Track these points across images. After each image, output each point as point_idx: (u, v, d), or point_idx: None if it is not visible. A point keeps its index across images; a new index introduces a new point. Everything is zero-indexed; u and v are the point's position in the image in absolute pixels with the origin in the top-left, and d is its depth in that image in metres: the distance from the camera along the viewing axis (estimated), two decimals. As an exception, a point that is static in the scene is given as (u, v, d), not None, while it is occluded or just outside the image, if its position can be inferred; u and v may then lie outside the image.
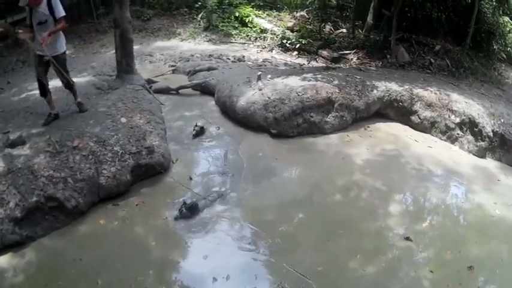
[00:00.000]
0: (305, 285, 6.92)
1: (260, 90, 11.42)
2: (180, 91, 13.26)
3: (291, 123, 11.04)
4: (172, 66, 15.51)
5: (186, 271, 7.28)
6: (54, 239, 8.07)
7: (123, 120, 9.85)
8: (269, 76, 12.38)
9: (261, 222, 8.22)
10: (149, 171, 9.31)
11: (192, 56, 16.37)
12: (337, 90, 11.60)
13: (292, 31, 19.48)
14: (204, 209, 8.36)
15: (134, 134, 9.48)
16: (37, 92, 9.96)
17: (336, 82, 12.03)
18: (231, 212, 8.53)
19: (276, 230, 8.04)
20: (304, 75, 12.67)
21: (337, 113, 11.44)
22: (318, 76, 12.50)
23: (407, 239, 7.96)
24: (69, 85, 9.97)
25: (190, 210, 8.14)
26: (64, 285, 7.14)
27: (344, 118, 11.56)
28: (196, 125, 10.54)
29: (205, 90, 13.13)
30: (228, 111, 11.76)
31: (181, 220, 8.10)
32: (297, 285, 6.95)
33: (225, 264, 7.30)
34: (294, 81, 11.97)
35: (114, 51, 13.51)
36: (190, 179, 9.42)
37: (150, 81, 13.25)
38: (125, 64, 12.35)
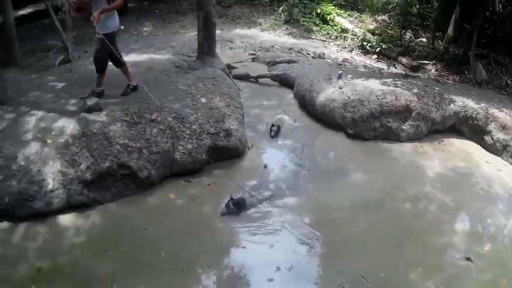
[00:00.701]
0: (365, 290, 6.82)
1: (340, 88, 11.29)
2: (259, 80, 13.21)
3: (368, 126, 10.89)
4: (252, 54, 15.47)
5: (250, 257, 7.24)
6: (122, 206, 8.22)
7: (203, 100, 9.91)
8: (349, 76, 12.25)
9: (330, 220, 8.13)
10: (225, 154, 9.36)
11: (272, 47, 16.30)
12: (415, 99, 11.38)
13: (373, 34, 19.23)
14: (252, 207, 8.21)
15: (213, 115, 9.52)
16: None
17: (415, 91, 11.79)
18: (302, 206, 8.45)
19: (344, 230, 7.94)
20: (384, 79, 12.48)
21: (413, 122, 11.23)
22: (397, 82, 12.26)
23: (468, 259, 7.74)
24: (117, 63, 9.93)
25: (237, 206, 8.01)
26: (127, 252, 7.26)
27: (420, 128, 11.33)
28: (273, 125, 10.39)
29: (284, 82, 13.03)
30: (307, 106, 11.66)
31: (227, 215, 7.99)
32: (357, 287, 6.86)
33: (288, 256, 7.26)
34: (374, 84, 11.79)
35: (194, 33, 13.59)
36: (265, 167, 9.43)
37: (230, 67, 13.24)
38: (206, 47, 12.36)
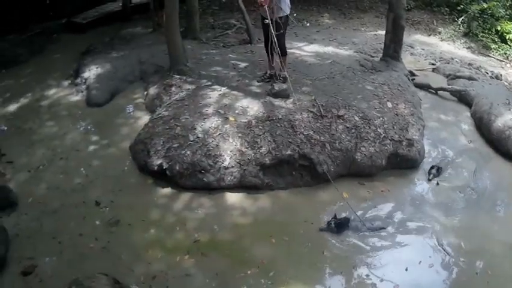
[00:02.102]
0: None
1: (519, 116, 10.82)
2: (439, 92, 12.87)
3: (539, 161, 10.35)
4: (432, 64, 14.95)
5: (410, 275, 7.00)
6: (293, 196, 8.29)
7: (389, 105, 9.73)
8: (527, 104, 11.72)
9: (485, 251, 7.63)
10: (402, 163, 9.17)
11: (452, 59, 15.71)
12: None
13: (550, 62, 18.32)
14: (357, 231, 7.71)
15: (398, 122, 9.32)
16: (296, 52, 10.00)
17: None
18: (461, 230, 8.06)
19: (498, 264, 7.40)
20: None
21: None
22: None
23: None
24: (281, 52, 9.74)
25: (338, 226, 7.61)
26: (289, 242, 7.32)
27: None
28: (432, 168, 9.51)
29: (462, 98, 12.58)
30: (482, 128, 11.16)
31: (325, 232, 7.63)
32: None
33: (445, 283, 6.99)
34: (549, 118, 11.16)
35: (374, 32, 13.52)
36: (437, 184, 9.08)
37: (412, 73, 12.98)
38: (392, 49, 12.17)
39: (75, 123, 10.46)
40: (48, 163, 9.00)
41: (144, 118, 10.01)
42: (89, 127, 10.32)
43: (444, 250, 7.52)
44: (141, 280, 6.49)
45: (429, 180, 9.12)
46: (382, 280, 6.84)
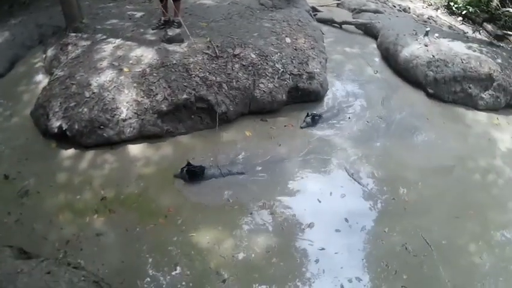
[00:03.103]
0: (426, 254, 6.68)
1: (426, 46, 10.83)
2: (343, 26, 12.86)
3: (449, 88, 10.44)
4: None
5: (323, 206, 7.10)
6: (194, 139, 8.21)
7: (288, 40, 9.62)
8: (436, 35, 11.70)
9: (398, 178, 7.87)
10: (304, 97, 9.12)
11: (358, -6, 15.84)
12: (499, 69, 10.71)
13: (461, -5, 18.46)
14: (212, 178, 7.55)
15: (298, 56, 9.24)
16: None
17: (499, 60, 11.11)
18: (374, 158, 8.22)
19: (411, 190, 7.69)
20: (470, 44, 11.83)
21: (493, 92, 10.60)
22: (483, 49, 11.59)
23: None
24: None
25: (190, 174, 7.39)
26: (195, 187, 7.25)
27: (498, 99, 10.68)
28: (307, 115, 9.07)
29: (368, 31, 12.68)
30: (389, 59, 11.29)
31: (180, 180, 7.45)
32: (420, 251, 6.71)
33: (356, 207, 7.18)
34: (459, 47, 11.25)
35: (278, -30, 13.19)
36: (349, 118, 9.06)
37: (314, 9, 12.95)
38: (292, -14, 11.99)
39: (-23, 97, 9.93)
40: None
41: (44, 82, 9.51)
42: (-8, 99, 9.79)
43: (355, 180, 7.60)
44: (56, 247, 6.28)
45: (301, 127, 8.82)
46: (294, 215, 6.87)
